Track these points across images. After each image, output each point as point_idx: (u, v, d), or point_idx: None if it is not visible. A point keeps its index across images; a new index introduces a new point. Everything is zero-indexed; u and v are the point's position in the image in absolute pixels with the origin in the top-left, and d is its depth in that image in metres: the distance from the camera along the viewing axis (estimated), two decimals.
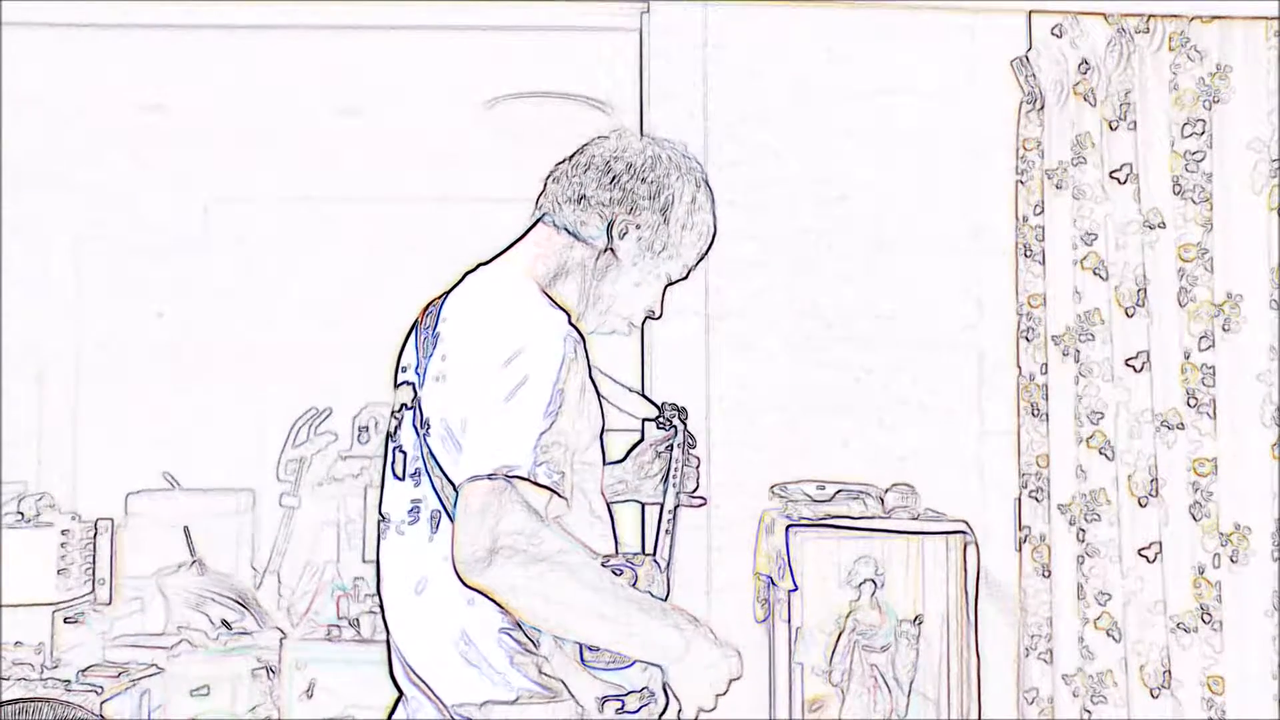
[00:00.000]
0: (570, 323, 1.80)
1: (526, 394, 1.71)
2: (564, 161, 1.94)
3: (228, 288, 3.23)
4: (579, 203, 1.89)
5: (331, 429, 3.23)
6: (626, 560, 1.79)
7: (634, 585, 1.77)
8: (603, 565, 1.75)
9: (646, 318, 1.95)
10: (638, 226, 1.89)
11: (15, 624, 2.99)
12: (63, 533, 3.05)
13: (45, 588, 3.02)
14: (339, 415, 3.23)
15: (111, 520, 3.16)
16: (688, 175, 1.92)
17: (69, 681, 2.95)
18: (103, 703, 2.91)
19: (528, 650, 1.77)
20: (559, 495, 1.73)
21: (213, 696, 3.07)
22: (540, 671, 1.77)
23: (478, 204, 3.07)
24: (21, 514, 3.06)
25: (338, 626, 3.16)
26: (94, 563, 3.12)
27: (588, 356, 1.83)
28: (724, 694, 1.78)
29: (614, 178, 1.89)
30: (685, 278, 1.96)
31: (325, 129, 3.21)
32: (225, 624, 3.16)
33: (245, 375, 3.20)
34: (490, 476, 1.69)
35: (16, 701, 2.78)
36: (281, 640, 3.12)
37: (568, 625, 1.73)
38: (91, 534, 3.12)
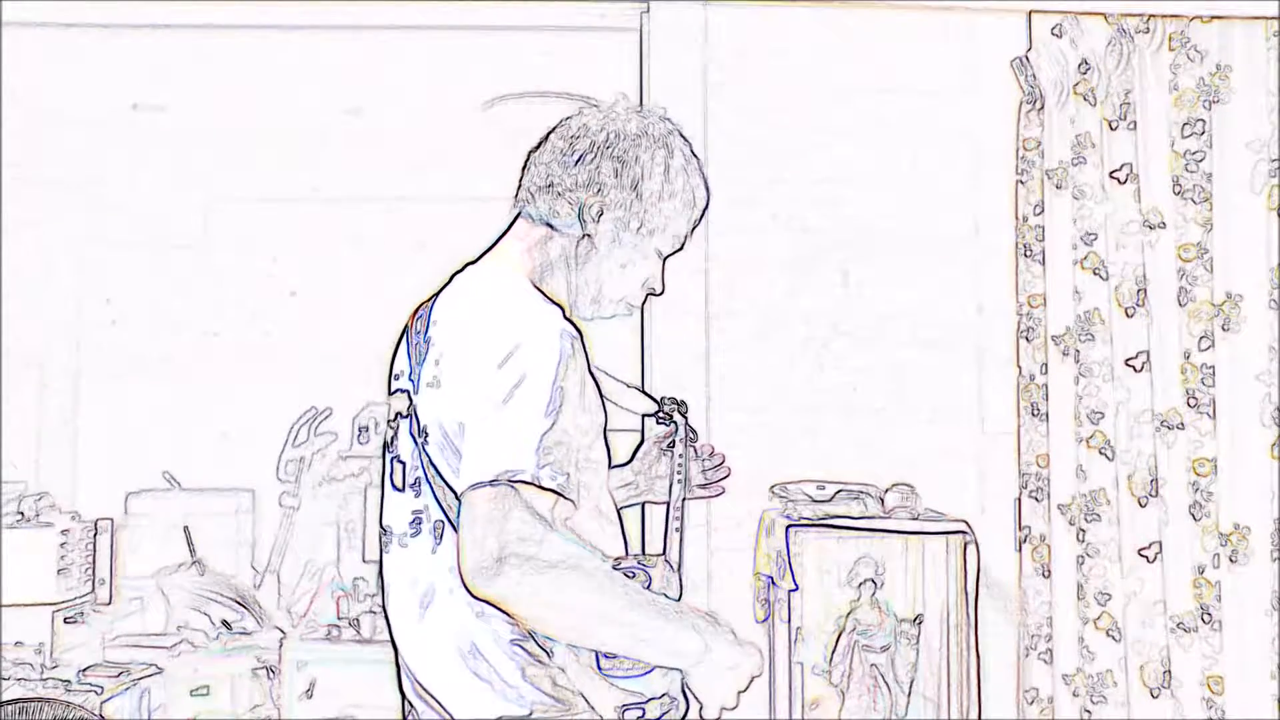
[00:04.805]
0: (566, 317, 1.72)
1: (525, 394, 1.63)
2: (534, 149, 1.84)
3: (228, 288, 3.23)
4: (548, 190, 1.79)
5: (331, 429, 3.23)
6: (639, 562, 1.72)
7: (648, 588, 1.69)
8: (614, 568, 1.67)
9: (648, 295, 1.84)
10: (607, 207, 1.78)
11: (15, 624, 2.99)
12: (63, 533, 3.04)
13: (45, 588, 3.01)
14: (339, 415, 3.23)
15: (111, 520, 3.16)
16: (658, 144, 1.79)
17: (69, 681, 2.95)
18: (103, 703, 2.91)
19: (540, 662, 1.69)
20: (565, 498, 1.65)
21: (213, 696, 3.07)
22: (554, 684, 1.69)
23: (478, 204, 3.06)
24: (21, 514, 3.06)
25: (338, 626, 3.16)
26: (94, 563, 3.12)
27: (586, 351, 1.74)
28: (745, 690, 1.71)
29: (578, 158, 1.78)
30: (681, 248, 1.84)
31: (325, 129, 3.21)
32: (225, 624, 3.15)
33: (245, 375, 3.20)
34: (493, 483, 1.60)
35: (16, 701, 2.78)
36: (281, 640, 3.11)
37: (581, 632, 1.65)
38: (91, 534, 3.11)
